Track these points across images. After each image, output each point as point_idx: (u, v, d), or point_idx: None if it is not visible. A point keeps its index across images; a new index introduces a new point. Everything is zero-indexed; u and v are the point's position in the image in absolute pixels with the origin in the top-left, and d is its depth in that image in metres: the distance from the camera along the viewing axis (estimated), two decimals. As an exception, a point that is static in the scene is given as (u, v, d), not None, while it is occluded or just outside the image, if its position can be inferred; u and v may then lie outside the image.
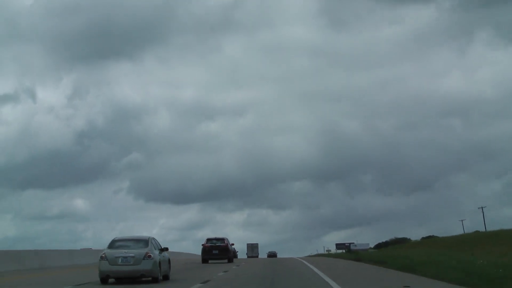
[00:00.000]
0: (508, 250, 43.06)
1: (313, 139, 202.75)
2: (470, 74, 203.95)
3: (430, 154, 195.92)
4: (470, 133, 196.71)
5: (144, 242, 26.22)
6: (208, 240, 54.69)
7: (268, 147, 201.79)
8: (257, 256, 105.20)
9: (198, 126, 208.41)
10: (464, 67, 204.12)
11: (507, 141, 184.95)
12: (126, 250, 25.46)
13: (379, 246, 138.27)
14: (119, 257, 25.14)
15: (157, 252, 26.31)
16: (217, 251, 53.52)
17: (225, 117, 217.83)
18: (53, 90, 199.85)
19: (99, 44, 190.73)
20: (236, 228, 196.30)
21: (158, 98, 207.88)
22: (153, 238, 27.40)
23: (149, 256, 25.32)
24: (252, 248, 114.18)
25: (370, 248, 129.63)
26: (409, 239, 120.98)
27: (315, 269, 34.89)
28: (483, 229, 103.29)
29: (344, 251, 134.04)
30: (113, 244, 26.17)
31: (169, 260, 28.39)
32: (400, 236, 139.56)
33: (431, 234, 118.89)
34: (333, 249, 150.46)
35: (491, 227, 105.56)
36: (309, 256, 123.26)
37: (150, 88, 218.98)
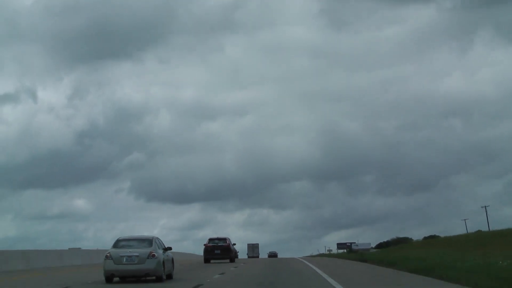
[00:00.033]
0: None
1: (314, 139, 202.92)
2: (471, 74, 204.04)
3: (430, 154, 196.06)
4: (471, 133, 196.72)
5: (148, 241, 26.46)
6: (210, 240, 55.08)
7: (268, 147, 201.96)
8: (257, 256, 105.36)
9: (199, 126, 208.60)
10: (464, 67, 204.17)
11: (508, 141, 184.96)
12: (130, 250, 25.72)
13: (380, 246, 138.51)
14: (123, 256, 25.40)
15: (161, 251, 26.55)
16: (219, 251, 53.89)
17: (225, 117, 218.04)
18: (53, 90, 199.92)
19: (100, 44, 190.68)
20: (237, 228, 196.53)
21: (159, 98, 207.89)
22: (157, 238, 27.62)
23: (153, 256, 25.57)
24: (253, 248, 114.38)
25: (372, 248, 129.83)
26: (411, 239, 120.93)
27: (318, 271, 33.08)
28: (484, 229, 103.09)
29: (345, 250, 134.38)
30: (117, 244, 26.42)
31: (172, 259, 28.61)
32: (401, 236, 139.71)
33: (432, 234, 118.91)
34: (334, 249, 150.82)
35: (492, 227, 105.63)
36: (311, 256, 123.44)
37: (150, 88, 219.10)
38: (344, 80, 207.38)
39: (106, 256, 25.55)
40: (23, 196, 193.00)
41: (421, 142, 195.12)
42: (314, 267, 37.68)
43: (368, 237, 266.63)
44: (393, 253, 54.34)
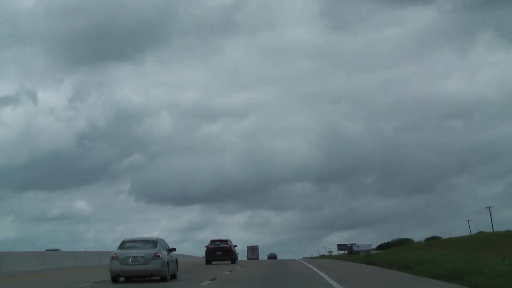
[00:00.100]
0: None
1: (315, 140, 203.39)
2: (471, 75, 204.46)
3: (431, 155, 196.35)
4: (472, 134, 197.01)
5: (153, 242, 27.06)
6: (212, 241, 55.83)
7: (269, 149, 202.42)
8: (257, 258, 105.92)
9: (199, 128, 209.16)
10: (465, 69, 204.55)
11: (509, 142, 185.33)
12: (136, 251, 26.27)
13: (381, 247, 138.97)
14: (129, 257, 25.97)
15: (165, 252, 27.14)
16: (220, 252, 54.64)
17: (226, 119, 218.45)
18: (54, 92, 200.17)
19: (100, 45, 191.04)
20: (237, 229, 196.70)
21: (159, 99, 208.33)
22: (162, 239, 28.20)
23: (158, 256, 26.15)
24: (252, 250, 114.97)
25: (373, 249, 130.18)
26: (411, 240, 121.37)
27: (324, 275, 28.95)
28: (485, 230, 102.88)
29: (345, 252, 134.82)
30: (123, 245, 26.99)
31: (176, 260, 29.21)
32: (401, 237, 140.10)
33: (433, 235, 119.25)
34: (335, 250, 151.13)
35: (493, 228, 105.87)
36: (311, 257, 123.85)
37: (151, 90, 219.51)
38: (344, 81, 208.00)
39: (112, 257, 26.09)
40: (23, 197, 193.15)
41: (422, 143, 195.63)
42: (316, 269, 35.14)
43: (368, 238, 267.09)
44: (396, 254, 53.58)
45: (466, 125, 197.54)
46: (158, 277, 26.53)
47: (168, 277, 26.94)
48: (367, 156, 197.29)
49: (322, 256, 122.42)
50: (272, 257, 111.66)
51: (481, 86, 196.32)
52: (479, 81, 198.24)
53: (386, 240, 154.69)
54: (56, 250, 65.39)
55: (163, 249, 27.21)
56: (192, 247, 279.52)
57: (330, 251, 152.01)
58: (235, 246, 58.74)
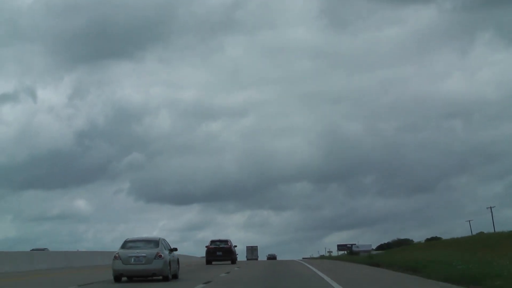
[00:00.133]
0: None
1: (315, 140, 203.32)
2: (471, 75, 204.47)
3: (430, 155, 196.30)
4: (472, 134, 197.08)
5: (155, 242, 27.24)
6: (212, 242, 56.11)
7: (269, 148, 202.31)
8: (256, 259, 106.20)
9: (199, 127, 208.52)
10: (465, 68, 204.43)
11: (509, 143, 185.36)
12: (138, 250, 26.44)
13: (381, 247, 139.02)
14: (131, 256, 26.12)
15: (167, 252, 27.30)
16: (221, 252, 54.91)
17: (226, 118, 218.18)
18: (53, 90, 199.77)
19: (100, 43, 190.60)
20: (237, 229, 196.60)
21: (159, 98, 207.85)
22: (163, 239, 28.39)
23: (160, 256, 26.31)
24: (252, 251, 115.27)
25: (373, 249, 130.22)
26: (411, 241, 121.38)
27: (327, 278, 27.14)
28: (486, 230, 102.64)
29: (345, 252, 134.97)
30: (125, 245, 27.16)
31: (178, 260, 29.35)
32: (401, 237, 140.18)
33: (433, 236, 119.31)
34: (335, 251, 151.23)
35: (492, 229, 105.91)
36: (311, 258, 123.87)
37: (151, 89, 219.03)
38: (344, 81, 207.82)
39: (115, 257, 26.27)
40: (22, 196, 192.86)
41: (422, 143, 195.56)
42: (320, 273, 32.04)
43: (368, 239, 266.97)
44: (398, 255, 52.94)
45: (466, 125, 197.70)
46: (160, 277, 26.70)
47: (170, 276, 27.10)
48: (367, 156, 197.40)
49: (322, 257, 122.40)
50: (272, 257, 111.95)
51: (481, 86, 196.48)
52: (479, 81, 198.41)
53: (386, 240, 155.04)
54: (43, 249, 64.44)
55: (165, 249, 27.38)
56: (191, 247, 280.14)
57: (330, 252, 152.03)
58: (235, 246, 58.96)
